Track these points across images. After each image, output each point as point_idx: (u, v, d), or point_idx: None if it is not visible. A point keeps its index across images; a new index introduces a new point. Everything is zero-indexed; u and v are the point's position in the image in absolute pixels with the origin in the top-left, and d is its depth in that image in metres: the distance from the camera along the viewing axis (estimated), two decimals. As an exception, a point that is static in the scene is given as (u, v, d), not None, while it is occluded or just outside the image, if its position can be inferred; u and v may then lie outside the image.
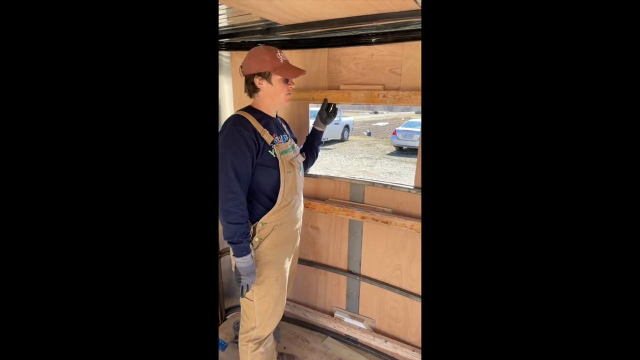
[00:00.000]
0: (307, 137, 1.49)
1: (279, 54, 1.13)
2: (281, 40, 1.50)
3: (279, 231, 1.20)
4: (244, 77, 1.17)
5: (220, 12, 1.17)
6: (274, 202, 1.17)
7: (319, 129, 1.45)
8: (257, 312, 1.25)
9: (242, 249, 1.10)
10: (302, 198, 1.35)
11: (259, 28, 1.37)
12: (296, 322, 1.92)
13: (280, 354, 1.62)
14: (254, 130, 1.11)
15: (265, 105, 1.19)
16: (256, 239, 1.18)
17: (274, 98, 1.17)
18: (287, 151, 1.19)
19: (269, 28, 1.35)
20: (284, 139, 1.21)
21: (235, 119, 1.12)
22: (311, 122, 1.58)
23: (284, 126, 1.32)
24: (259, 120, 1.14)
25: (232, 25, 1.41)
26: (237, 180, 1.07)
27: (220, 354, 1.69)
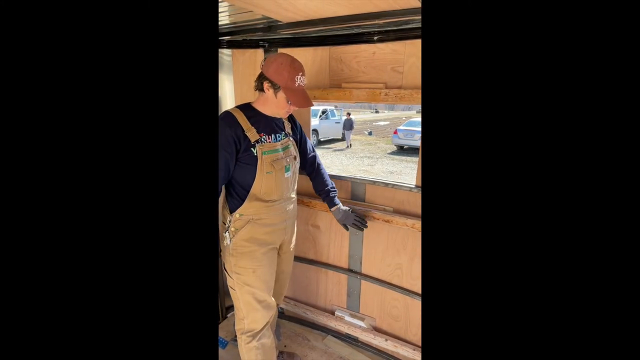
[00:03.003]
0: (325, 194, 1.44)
1: (299, 76, 1.13)
2: (283, 38, 1.49)
3: (254, 226, 1.21)
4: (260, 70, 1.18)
5: (221, 9, 1.17)
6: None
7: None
8: (242, 302, 1.28)
9: None
10: (291, 198, 1.33)
11: (261, 26, 1.37)
12: (297, 321, 1.92)
13: (280, 353, 1.62)
14: (239, 127, 1.13)
15: (264, 109, 1.20)
16: (232, 228, 1.21)
17: (273, 108, 1.19)
18: (273, 151, 1.19)
19: (271, 26, 1.34)
20: (275, 138, 1.21)
21: (223, 115, 1.16)
22: (313, 121, 1.58)
23: (289, 125, 1.32)
24: (249, 118, 1.15)
25: (234, 23, 1.40)
26: None
27: (221, 352, 1.69)
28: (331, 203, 1.43)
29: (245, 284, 1.25)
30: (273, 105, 1.17)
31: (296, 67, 1.13)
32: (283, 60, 1.13)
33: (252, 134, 1.14)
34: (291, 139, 1.30)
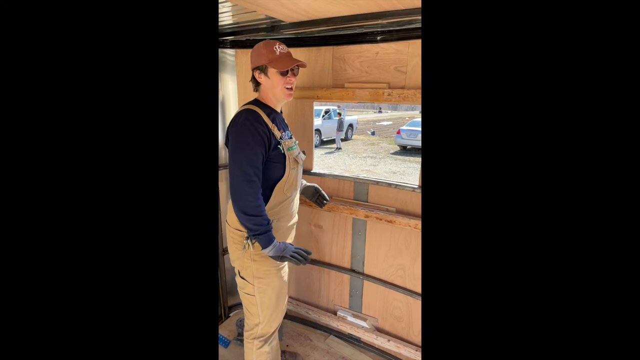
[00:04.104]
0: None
1: (276, 46, 1.12)
2: (286, 38, 1.49)
3: (277, 225, 1.21)
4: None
5: (225, 9, 1.18)
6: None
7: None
8: (260, 307, 1.25)
9: (269, 238, 1.10)
10: (298, 194, 1.35)
11: (264, 26, 1.37)
12: (299, 321, 1.92)
13: (283, 352, 1.62)
14: (266, 124, 1.11)
15: (269, 99, 1.18)
16: None
17: (273, 91, 1.16)
18: (292, 148, 1.20)
19: (274, 26, 1.35)
20: (288, 135, 1.22)
21: (247, 112, 1.11)
22: (316, 120, 1.58)
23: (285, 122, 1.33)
24: (268, 115, 1.14)
25: (237, 23, 1.41)
26: (255, 174, 1.07)
27: (223, 351, 1.70)
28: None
29: (268, 286, 1.22)
30: (272, 87, 1.15)
31: (271, 42, 1.13)
32: (257, 45, 1.14)
33: (276, 131, 1.14)
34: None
